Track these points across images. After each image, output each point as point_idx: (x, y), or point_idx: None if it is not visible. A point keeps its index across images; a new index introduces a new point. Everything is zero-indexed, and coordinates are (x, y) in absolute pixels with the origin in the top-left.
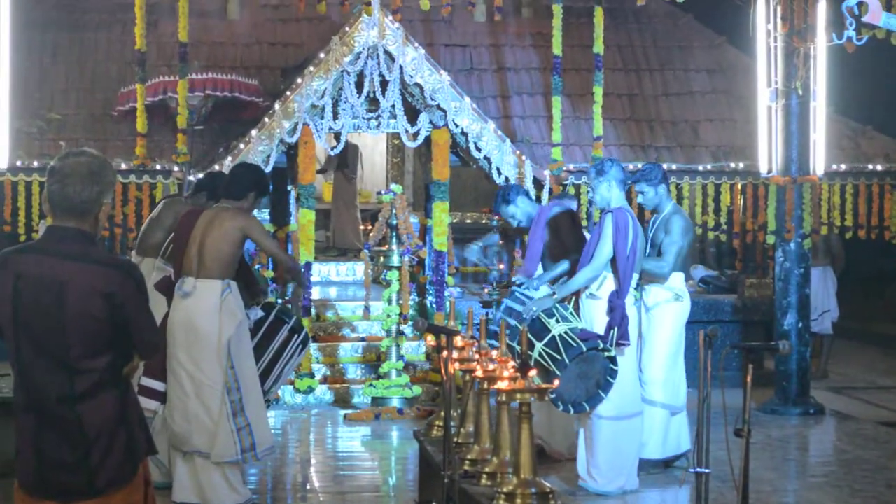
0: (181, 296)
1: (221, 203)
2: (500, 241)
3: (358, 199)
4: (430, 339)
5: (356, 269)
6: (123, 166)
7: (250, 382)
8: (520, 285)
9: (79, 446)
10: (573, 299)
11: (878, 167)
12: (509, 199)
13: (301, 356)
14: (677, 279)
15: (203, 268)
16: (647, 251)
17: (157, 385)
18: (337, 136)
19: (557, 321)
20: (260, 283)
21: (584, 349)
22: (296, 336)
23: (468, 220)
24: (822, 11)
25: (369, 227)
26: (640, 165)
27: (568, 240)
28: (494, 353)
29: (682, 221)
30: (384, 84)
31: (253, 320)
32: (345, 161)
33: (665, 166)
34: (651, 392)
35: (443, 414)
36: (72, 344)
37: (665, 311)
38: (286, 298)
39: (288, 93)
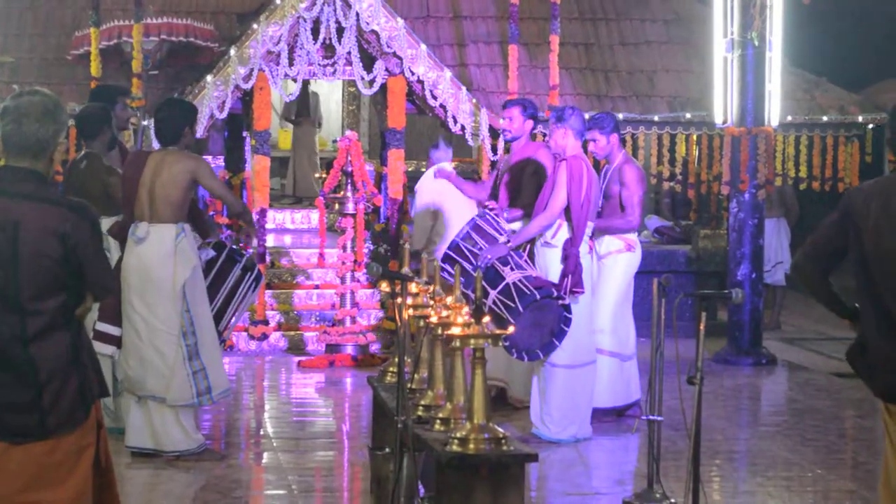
0: (135, 241)
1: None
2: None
3: (318, 146)
4: (385, 286)
5: (311, 217)
6: (78, 110)
7: (205, 326)
8: (492, 209)
9: (30, 387)
10: (527, 247)
11: (833, 119)
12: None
13: (254, 294)
14: None
15: (155, 213)
16: (601, 202)
17: (112, 330)
18: (305, 85)
19: (512, 269)
20: (213, 229)
21: (538, 297)
22: (248, 274)
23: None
24: None
25: (324, 175)
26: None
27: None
28: (449, 300)
29: (635, 171)
30: (340, 31)
31: (204, 260)
32: (306, 109)
33: (620, 116)
34: (600, 340)
35: (396, 360)
36: (24, 285)
37: (616, 260)
38: (241, 244)
39: (244, 38)
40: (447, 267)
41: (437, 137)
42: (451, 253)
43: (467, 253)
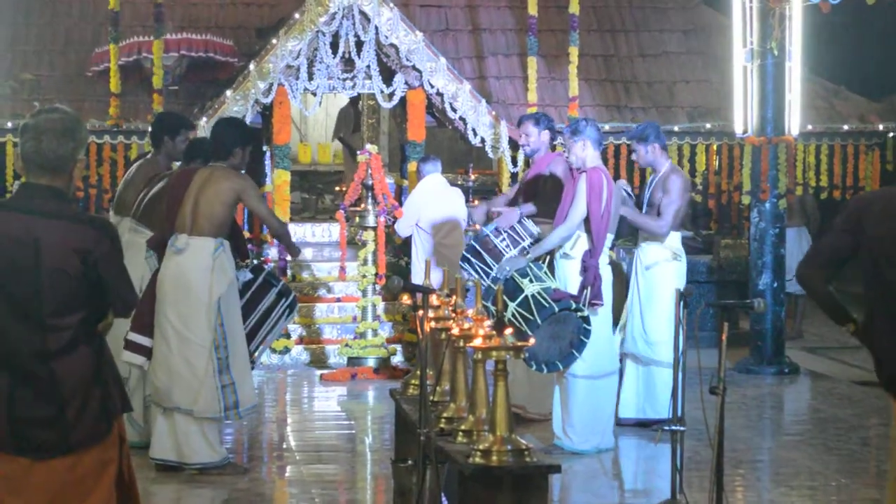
0: (173, 252)
1: (212, 163)
2: (475, 202)
3: None
4: (407, 298)
5: (332, 230)
6: (98, 126)
7: (238, 341)
8: (499, 213)
9: (53, 403)
10: (547, 259)
11: (853, 127)
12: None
13: (288, 320)
14: (675, 238)
15: (196, 226)
16: (644, 210)
17: (143, 340)
18: (356, 101)
19: (531, 281)
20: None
21: (556, 309)
22: (283, 300)
23: None
24: None
25: (344, 189)
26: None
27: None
28: (470, 312)
29: (680, 181)
30: (359, 44)
31: (241, 282)
32: (358, 125)
33: None
34: (658, 352)
35: (418, 372)
36: (46, 301)
37: (665, 270)
38: (263, 258)
39: (263, 53)
40: (466, 267)
41: (457, 150)
42: (467, 255)
43: (484, 253)
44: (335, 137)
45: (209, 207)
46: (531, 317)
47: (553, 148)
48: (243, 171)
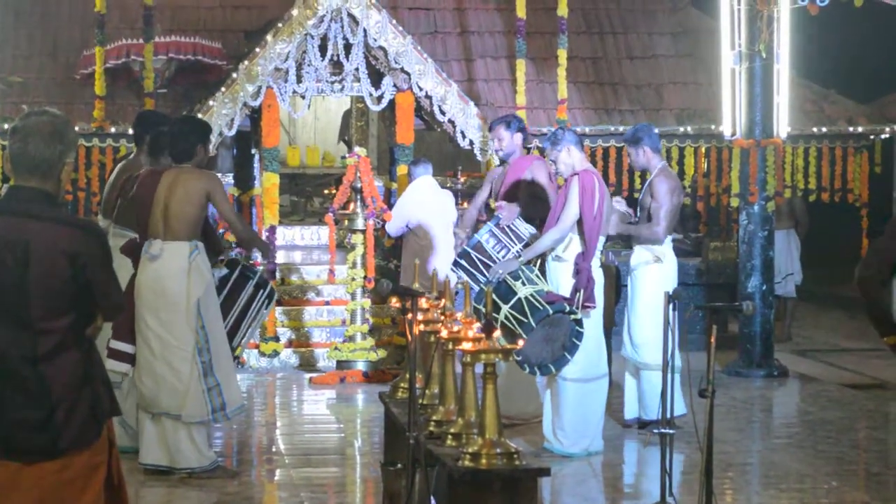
0: (149, 258)
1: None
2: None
3: None
4: (395, 301)
5: (321, 233)
6: (87, 129)
7: (220, 342)
8: (498, 205)
9: (42, 406)
10: (539, 262)
11: (841, 130)
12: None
13: (267, 311)
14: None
15: (170, 230)
16: (638, 214)
17: (126, 347)
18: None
19: (523, 284)
20: (223, 245)
21: (551, 312)
22: (261, 291)
23: None
24: None
25: (333, 192)
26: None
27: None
28: (459, 315)
29: (665, 184)
30: (348, 47)
31: (217, 278)
32: None
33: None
34: (642, 354)
35: (408, 376)
36: (34, 304)
37: (645, 273)
38: (252, 261)
39: (251, 56)
40: (458, 272)
41: (445, 153)
42: (464, 259)
43: (478, 261)
44: (340, 139)
45: (181, 210)
46: (525, 319)
47: (528, 150)
48: (232, 173)
